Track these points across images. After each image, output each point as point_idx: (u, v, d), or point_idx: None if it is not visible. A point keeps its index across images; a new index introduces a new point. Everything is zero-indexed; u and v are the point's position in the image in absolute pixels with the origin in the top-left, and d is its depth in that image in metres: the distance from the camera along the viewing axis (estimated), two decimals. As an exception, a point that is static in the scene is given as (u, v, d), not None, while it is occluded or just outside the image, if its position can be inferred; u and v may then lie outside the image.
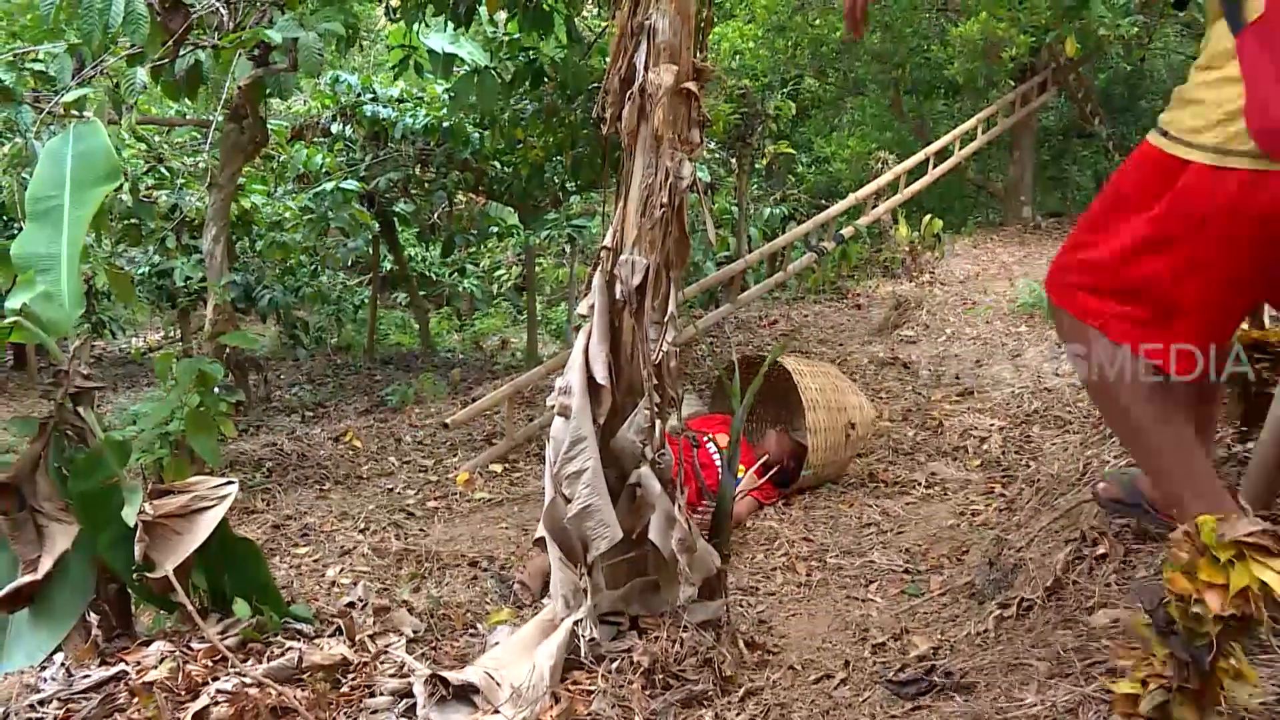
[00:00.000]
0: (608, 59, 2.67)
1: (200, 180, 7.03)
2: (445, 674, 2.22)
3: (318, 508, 4.67)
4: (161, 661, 2.34)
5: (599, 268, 2.68)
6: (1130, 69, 12.27)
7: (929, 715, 2.13)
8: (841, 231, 8.09)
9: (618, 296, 2.62)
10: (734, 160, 8.23)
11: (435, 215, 7.91)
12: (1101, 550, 2.61)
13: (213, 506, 2.59)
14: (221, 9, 4.53)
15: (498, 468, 5.27)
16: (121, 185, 5.96)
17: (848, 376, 5.10)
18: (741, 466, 4.71)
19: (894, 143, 12.38)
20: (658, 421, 2.67)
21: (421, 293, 10.48)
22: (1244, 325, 2.47)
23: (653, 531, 2.59)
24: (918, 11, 11.14)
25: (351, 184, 6.81)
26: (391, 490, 5.04)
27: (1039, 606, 2.51)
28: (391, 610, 3.01)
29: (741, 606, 3.15)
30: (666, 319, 2.71)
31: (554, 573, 2.64)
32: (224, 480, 2.67)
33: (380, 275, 9.73)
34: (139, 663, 2.35)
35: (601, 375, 2.57)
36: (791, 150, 9.19)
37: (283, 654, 2.42)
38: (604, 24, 6.11)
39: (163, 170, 7.17)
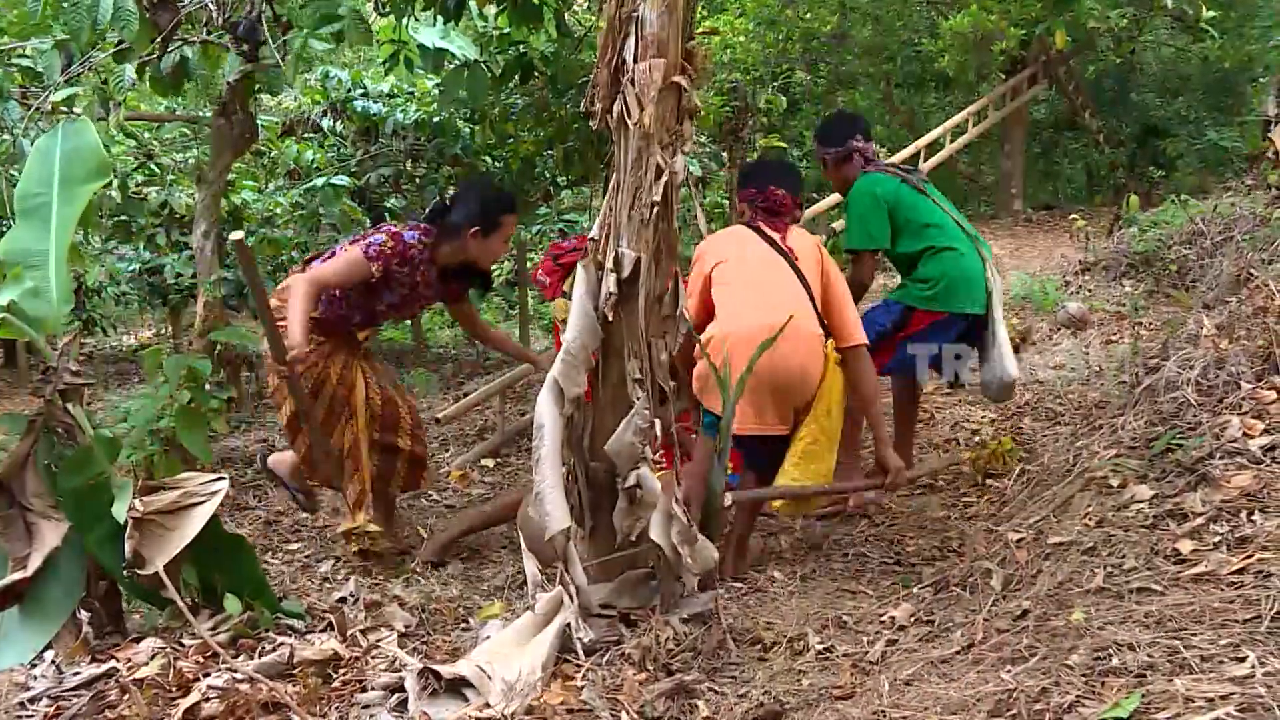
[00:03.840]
0: (597, 52, 2.67)
1: (190, 176, 7.00)
2: (437, 668, 2.23)
3: (310, 504, 4.66)
4: (152, 658, 2.34)
5: (586, 260, 2.68)
6: (1120, 61, 12.29)
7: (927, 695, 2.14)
8: (833, 225, 8.09)
9: (610, 289, 2.62)
10: (725, 154, 8.23)
11: (427, 210, 7.89)
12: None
13: (203, 503, 2.59)
14: (210, 4, 4.50)
15: (490, 462, 5.26)
16: (111, 182, 5.94)
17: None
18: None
19: (885, 136, 12.40)
20: (657, 421, 2.68)
21: (413, 288, 10.42)
22: None
23: (653, 530, 2.60)
24: (908, 5, 11.14)
25: (342, 179, 6.79)
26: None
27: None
28: (383, 605, 3.01)
29: (732, 598, 3.16)
30: (676, 314, 2.73)
31: (525, 561, 2.66)
32: (215, 476, 2.67)
33: (372, 271, 9.69)
34: (130, 660, 2.35)
35: (556, 369, 2.58)
36: (783, 144, 9.17)
37: (274, 650, 2.42)
38: (594, 18, 6.11)
39: (152, 166, 7.14)
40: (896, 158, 9.30)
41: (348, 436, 3.73)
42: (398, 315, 4.00)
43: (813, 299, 3.34)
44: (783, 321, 3.12)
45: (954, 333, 3.85)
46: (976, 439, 4.52)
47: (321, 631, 2.67)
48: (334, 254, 3.65)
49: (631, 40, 2.56)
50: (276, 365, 3.39)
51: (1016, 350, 3.93)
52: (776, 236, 3.47)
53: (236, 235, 3.03)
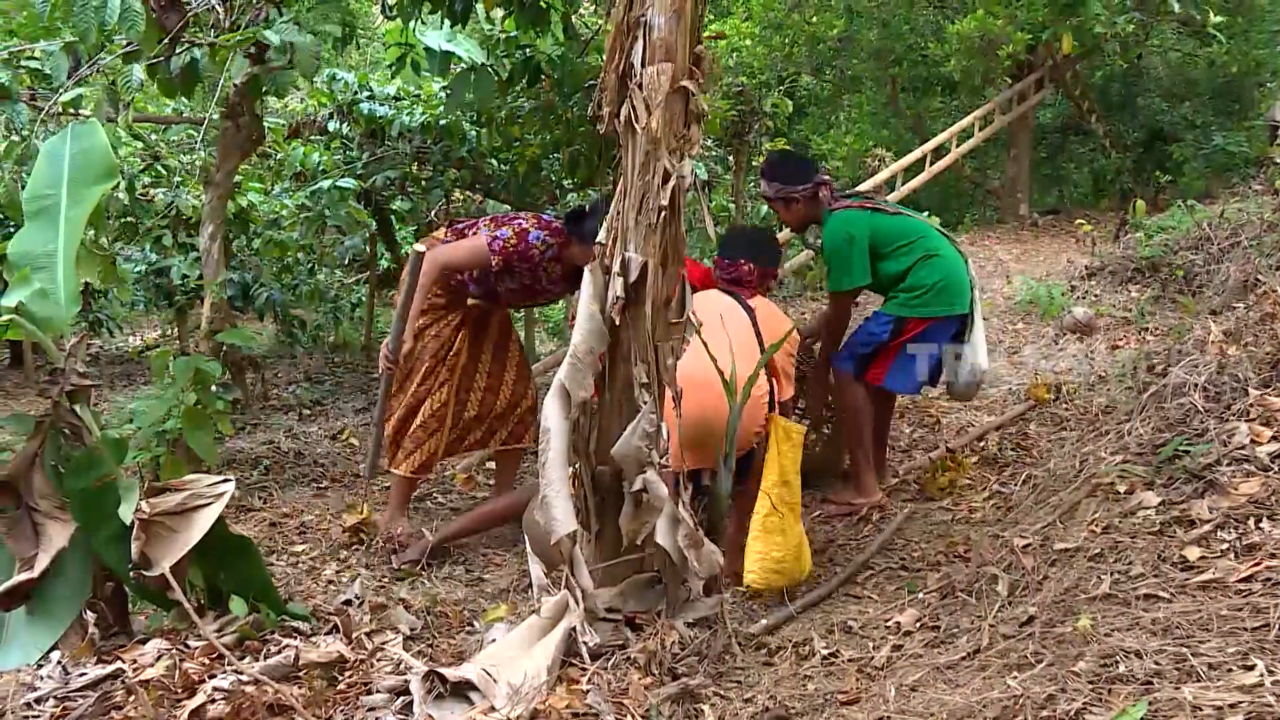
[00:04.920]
0: (604, 56, 2.68)
1: (197, 178, 7.01)
2: (442, 671, 2.23)
3: (315, 505, 4.66)
4: (158, 659, 2.34)
5: (593, 264, 2.68)
6: (1127, 66, 12.28)
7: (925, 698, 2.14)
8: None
9: (618, 293, 2.62)
10: (731, 157, 8.23)
11: (433, 213, 7.88)
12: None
13: (209, 504, 2.59)
14: (218, 6, 4.51)
15: (495, 464, 5.26)
16: (118, 183, 5.95)
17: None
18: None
19: (891, 140, 12.39)
20: (663, 425, 2.68)
21: (419, 291, 10.41)
22: None
23: (659, 534, 2.60)
24: (915, 8, 11.15)
25: (348, 182, 6.78)
26: (388, 488, 5.03)
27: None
28: (388, 608, 3.01)
29: (736, 603, 3.15)
30: (683, 319, 2.73)
31: (530, 565, 2.66)
32: (221, 478, 2.67)
33: (378, 273, 9.70)
34: (136, 661, 2.35)
35: (563, 373, 2.58)
36: (789, 147, 9.20)
37: (279, 652, 2.42)
38: (600, 21, 6.11)
39: (159, 168, 7.15)
40: (902, 162, 9.31)
41: (438, 397, 3.95)
42: (519, 302, 4.21)
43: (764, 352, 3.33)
44: (718, 371, 3.10)
45: (949, 334, 3.90)
46: (981, 443, 4.51)
47: (327, 634, 2.67)
48: (476, 229, 3.85)
49: (639, 44, 2.56)
50: (386, 356, 3.71)
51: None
52: (742, 295, 3.58)
53: (419, 248, 3.55)
